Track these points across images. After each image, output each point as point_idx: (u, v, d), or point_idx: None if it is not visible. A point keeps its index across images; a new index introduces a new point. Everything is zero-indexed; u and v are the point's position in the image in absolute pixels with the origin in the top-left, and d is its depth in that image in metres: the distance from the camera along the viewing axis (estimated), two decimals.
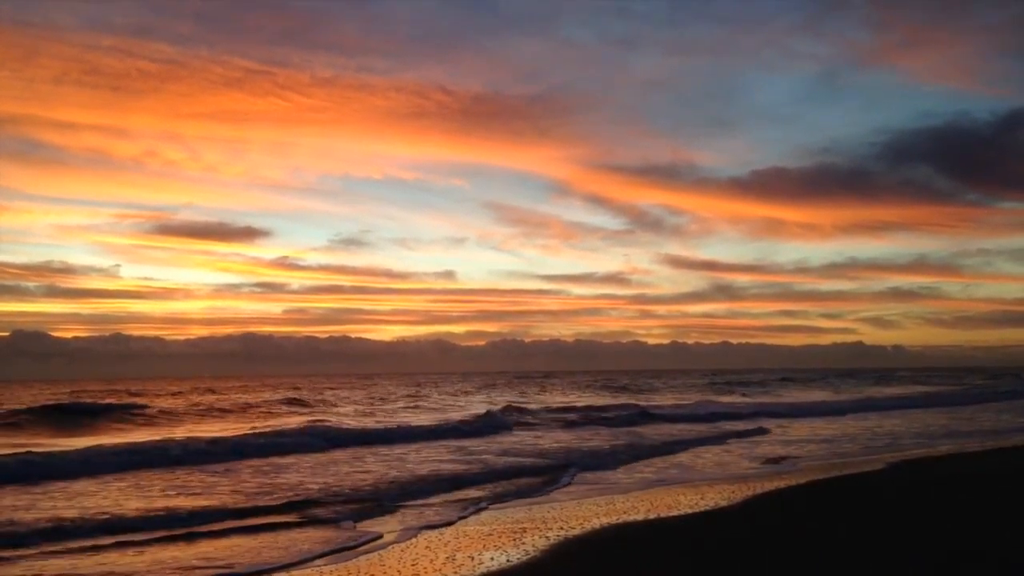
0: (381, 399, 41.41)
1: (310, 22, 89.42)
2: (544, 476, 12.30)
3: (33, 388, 69.01)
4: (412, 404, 35.78)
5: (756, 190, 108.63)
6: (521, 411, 27.46)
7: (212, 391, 56.01)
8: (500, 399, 40.01)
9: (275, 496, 10.38)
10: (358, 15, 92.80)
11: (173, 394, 50.98)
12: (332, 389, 57.76)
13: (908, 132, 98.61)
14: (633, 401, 34.94)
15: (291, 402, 36.49)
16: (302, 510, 9.39)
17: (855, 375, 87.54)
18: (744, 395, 43.40)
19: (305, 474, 12.56)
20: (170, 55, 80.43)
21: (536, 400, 38.35)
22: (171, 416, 28.38)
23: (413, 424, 22.11)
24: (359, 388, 60.46)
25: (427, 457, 14.66)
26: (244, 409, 31.82)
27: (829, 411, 30.51)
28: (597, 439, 18.57)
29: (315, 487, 11.08)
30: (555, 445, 17.15)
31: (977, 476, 11.46)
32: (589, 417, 25.26)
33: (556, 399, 38.96)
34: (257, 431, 19.33)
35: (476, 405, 34.25)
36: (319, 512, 9.19)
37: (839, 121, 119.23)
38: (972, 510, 8.53)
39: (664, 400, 37.80)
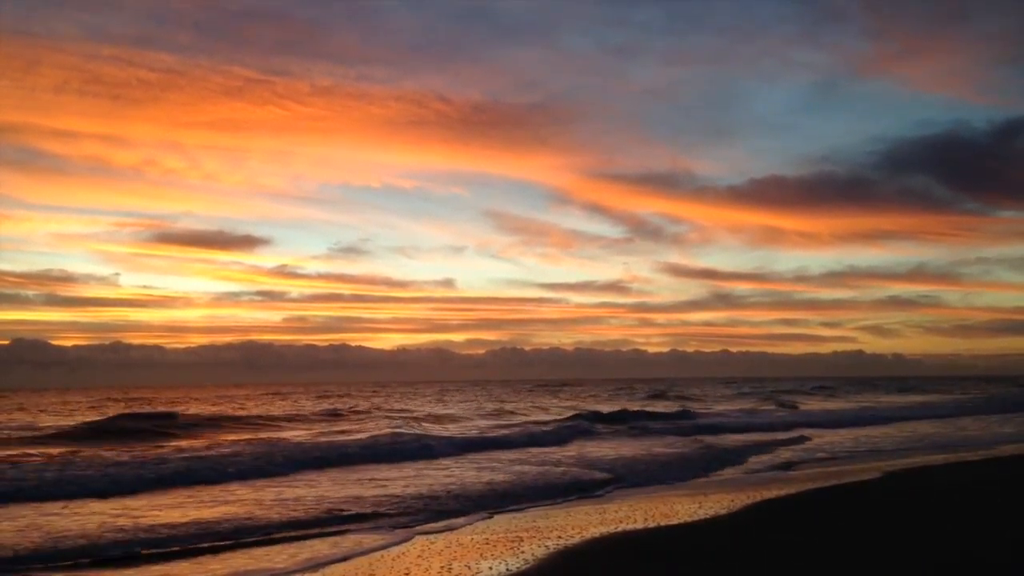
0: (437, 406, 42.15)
1: (309, 32, 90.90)
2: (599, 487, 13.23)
3: (48, 396, 70.06)
4: (480, 412, 36.72)
5: (755, 199, 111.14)
6: (591, 419, 28.26)
7: (237, 400, 56.76)
8: (557, 406, 40.89)
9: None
10: (357, 25, 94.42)
11: (215, 401, 51.91)
12: (370, 397, 58.78)
13: (906, 141, 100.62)
14: (688, 409, 35.95)
15: (368, 410, 37.96)
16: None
17: (880, 383, 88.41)
18: (790, 404, 43.97)
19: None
20: (170, 64, 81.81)
21: (586, 407, 39.27)
22: (273, 421, 30.17)
23: (502, 434, 23.51)
24: (393, 396, 61.76)
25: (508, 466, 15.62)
26: (330, 415, 33.55)
27: (872, 420, 31.62)
28: (664, 447, 19.84)
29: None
30: (626, 454, 18.05)
31: (979, 482, 12.30)
32: (667, 427, 26.38)
33: (605, 407, 39.75)
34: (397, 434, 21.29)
35: (532, 412, 35.51)
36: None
37: (837, 130, 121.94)
38: (973, 515, 9.23)
39: (716, 408, 38.82)
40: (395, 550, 8.20)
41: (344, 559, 7.87)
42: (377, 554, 8.01)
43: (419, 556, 7.85)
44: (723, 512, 10.00)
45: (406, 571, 7.19)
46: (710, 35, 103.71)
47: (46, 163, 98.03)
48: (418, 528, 9.50)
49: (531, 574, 6.97)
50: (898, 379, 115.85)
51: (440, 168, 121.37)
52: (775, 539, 8.21)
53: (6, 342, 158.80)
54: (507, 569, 7.14)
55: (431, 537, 8.89)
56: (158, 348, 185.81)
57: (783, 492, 11.80)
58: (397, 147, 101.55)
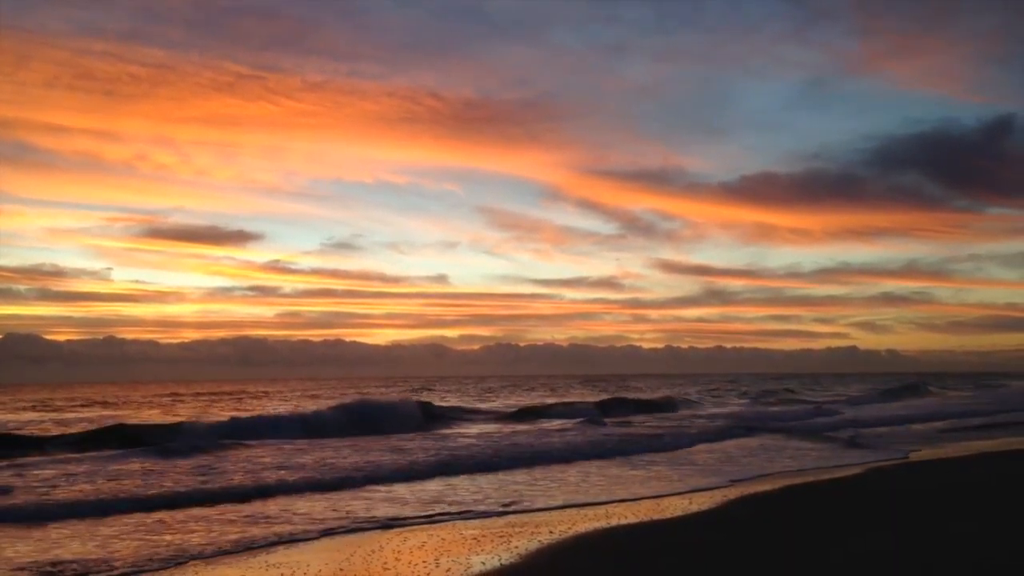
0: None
1: (300, 28, 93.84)
2: None
3: (72, 391, 72.86)
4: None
5: (746, 195, 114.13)
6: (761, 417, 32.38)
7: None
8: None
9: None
10: (348, 21, 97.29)
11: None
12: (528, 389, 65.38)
13: (896, 138, 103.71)
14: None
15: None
16: None
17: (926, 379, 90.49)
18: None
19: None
20: (161, 60, 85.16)
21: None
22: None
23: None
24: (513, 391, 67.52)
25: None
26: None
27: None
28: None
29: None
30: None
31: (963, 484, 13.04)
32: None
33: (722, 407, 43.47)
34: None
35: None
36: None
37: (828, 127, 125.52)
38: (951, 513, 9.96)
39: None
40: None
41: None
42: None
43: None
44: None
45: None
46: (700, 33, 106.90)
47: (37, 158, 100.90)
48: None
49: None
50: (917, 375, 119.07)
51: (432, 164, 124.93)
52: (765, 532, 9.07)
53: None
54: None
55: None
56: (152, 343, 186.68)
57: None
58: (389, 143, 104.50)
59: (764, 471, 15.14)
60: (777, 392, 56.63)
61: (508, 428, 27.34)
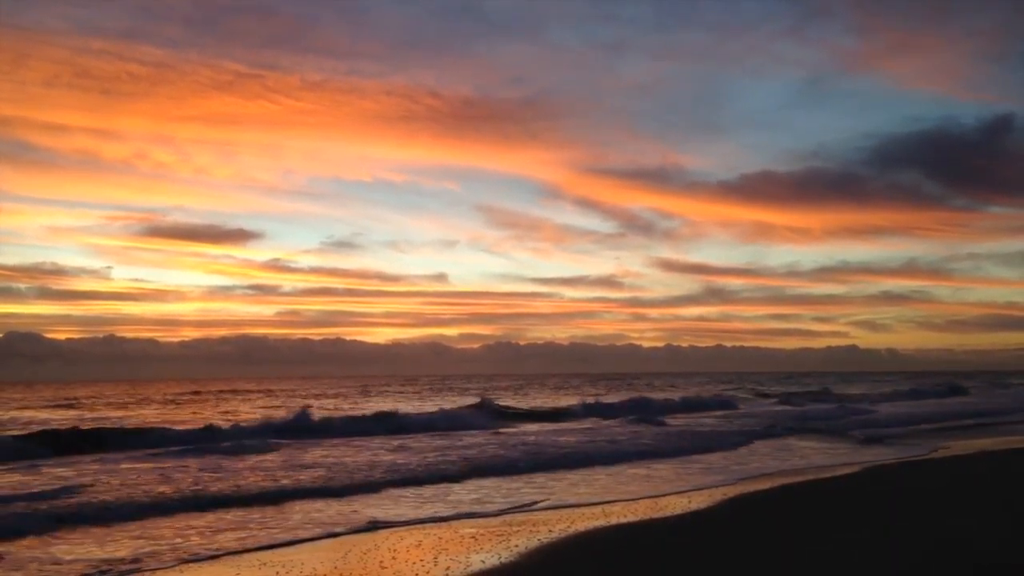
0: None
1: (299, 26, 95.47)
2: None
3: (77, 390, 72.88)
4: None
5: (746, 194, 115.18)
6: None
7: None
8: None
9: None
10: (347, 20, 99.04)
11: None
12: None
13: (896, 137, 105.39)
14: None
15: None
16: None
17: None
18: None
19: None
20: (160, 58, 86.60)
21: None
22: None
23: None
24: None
25: None
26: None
27: None
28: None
29: None
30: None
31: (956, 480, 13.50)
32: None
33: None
34: None
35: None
36: None
37: (826, 126, 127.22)
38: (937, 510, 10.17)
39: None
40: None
41: None
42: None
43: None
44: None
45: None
46: (698, 31, 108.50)
47: (37, 156, 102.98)
48: None
49: None
50: (916, 375, 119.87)
51: (431, 162, 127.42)
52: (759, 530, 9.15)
53: None
54: None
55: None
56: (152, 342, 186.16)
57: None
58: (388, 141, 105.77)
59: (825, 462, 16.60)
60: (788, 392, 57.36)
61: (578, 425, 28.46)
